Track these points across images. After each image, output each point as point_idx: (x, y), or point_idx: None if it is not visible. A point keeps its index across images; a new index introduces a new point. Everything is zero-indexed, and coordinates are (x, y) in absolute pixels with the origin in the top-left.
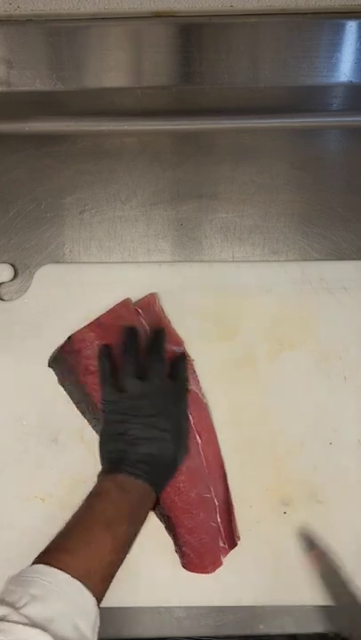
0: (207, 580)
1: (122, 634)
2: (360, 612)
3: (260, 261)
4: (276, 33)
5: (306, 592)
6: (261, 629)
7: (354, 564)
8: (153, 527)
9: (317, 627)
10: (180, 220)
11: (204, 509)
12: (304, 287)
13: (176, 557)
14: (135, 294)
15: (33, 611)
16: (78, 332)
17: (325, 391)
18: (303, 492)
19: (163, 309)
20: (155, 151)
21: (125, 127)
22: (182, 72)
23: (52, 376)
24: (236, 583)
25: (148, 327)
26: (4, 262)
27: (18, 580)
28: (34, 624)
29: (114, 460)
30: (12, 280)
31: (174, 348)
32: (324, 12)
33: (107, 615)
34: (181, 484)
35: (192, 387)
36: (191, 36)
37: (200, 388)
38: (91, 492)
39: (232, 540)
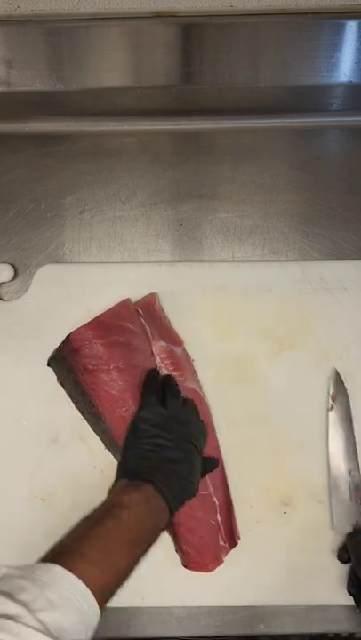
0: (207, 580)
1: (122, 634)
2: None
3: (260, 261)
4: (276, 33)
5: (306, 592)
6: (261, 629)
7: None
8: None
9: (317, 627)
10: (180, 219)
11: (203, 508)
12: (304, 287)
13: (176, 557)
14: (135, 294)
15: (49, 618)
16: (76, 330)
17: (325, 391)
18: (303, 492)
19: (163, 309)
20: (155, 151)
21: (125, 127)
22: (182, 72)
23: (51, 376)
24: (236, 583)
25: (148, 327)
26: (3, 262)
27: (29, 575)
28: (49, 634)
29: (144, 473)
30: (12, 280)
31: (174, 347)
32: (324, 12)
33: (107, 615)
34: None
35: (192, 386)
36: (191, 35)
37: (200, 388)
38: (115, 501)
39: (232, 540)
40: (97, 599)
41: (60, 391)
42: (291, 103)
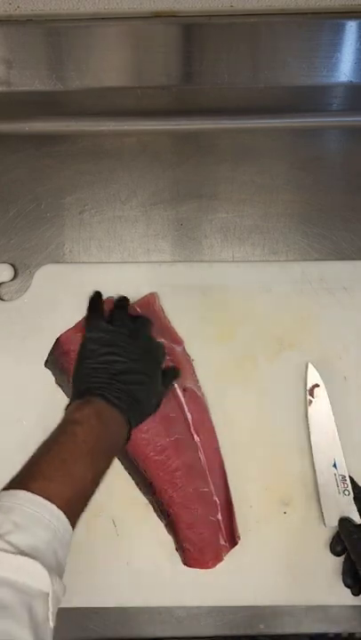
0: (207, 580)
1: (122, 634)
2: None
3: (260, 261)
4: (276, 33)
5: (306, 592)
6: (261, 629)
7: None
8: (153, 527)
9: (317, 627)
10: (180, 219)
11: (203, 504)
12: (304, 287)
13: (176, 557)
14: (135, 294)
15: (18, 539)
16: (65, 333)
17: (325, 391)
18: (303, 491)
19: (162, 309)
20: (155, 151)
21: (125, 127)
22: (182, 72)
23: (51, 376)
24: (236, 583)
25: None
26: (3, 262)
27: None
28: (19, 552)
29: (94, 389)
30: (12, 280)
31: (175, 346)
32: (324, 12)
33: (107, 615)
34: (178, 480)
35: (192, 386)
36: (191, 36)
37: (200, 388)
38: (68, 418)
39: (233, 539)
40: (67, 515)
41: (60, 391)
42: (291, 103)
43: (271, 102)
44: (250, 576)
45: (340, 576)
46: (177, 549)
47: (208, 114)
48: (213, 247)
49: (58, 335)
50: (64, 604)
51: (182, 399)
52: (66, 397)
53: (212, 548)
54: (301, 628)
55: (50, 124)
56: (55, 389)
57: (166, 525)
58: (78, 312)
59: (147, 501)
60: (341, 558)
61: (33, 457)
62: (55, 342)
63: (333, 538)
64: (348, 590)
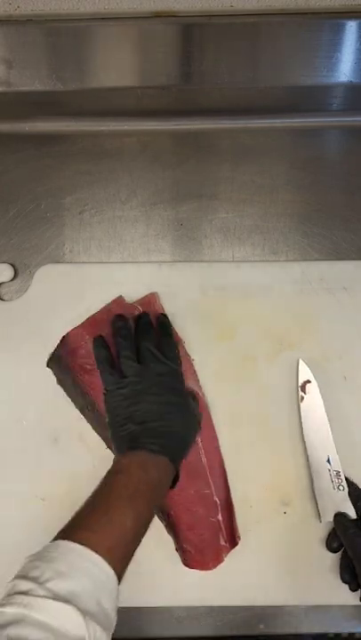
0: (207, 580)
1: (122, 634)
2: None
3: (260, 261)
4: (276, 33)
5: (306, 592)
6: (261, 629)
7: None
8: (153, 527)
9: (317, 627)
10: (180, 219)
11: (203, 505)
12: (304, 287)
13: (176, 557)
14: (135, 294)
15: (57, 586)
16: (72, 331)
17: (325, 391)
18: (303, 492)
19: (163, 309)
20: (155, 151)
21: (125, 127)
22: (182, 72)
23: (51, 376)
24: (236, 583)
25: None
26: (3, 262)
27: (40, 556)
28: (59, 599)
29: (127, 441)
30: (12, 280)
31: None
32: (324, 12)
33: None
34: (180, 482)
35: (192, 386)
36: (191, 36)
37: (200, 388)
38: (109, 471)
39: (233, 539)
40: (110, 563)
41: (60, 391)
42: (291, 103)
43: (271, 102)
44: (250, 576)
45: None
46: (177, 550)
47: (208, 114)
48: (213, 247)
49: (58, 335)
50: None
51: None
52: (67, 397)
53: (212, 548)
54: (301, 628)
55: (50, 123)
56: (56, 389)
57: (166, 526)
58: (78, 312)
59: None
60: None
61: (79, 510)
62: (62, 340)
63: (329, 534)
64: (348, 590)
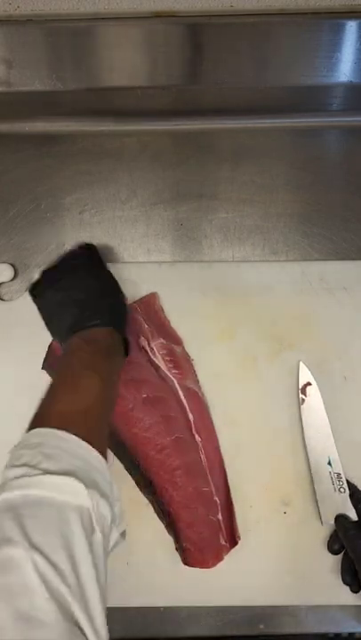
0: (207, 580)
1: (122, 634)
2: None
3: (260, 261)
4: (276, 33)
5: (306, 592)
6: (261, 629)
7: None
8: (153, 527)
9: (317, 627)
10: (180, 219)
11: (203, 503)
12: (304, 287)
13: (176, 557)
14: (135, 294)
15: (51, 465)
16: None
17: (325, 391)
18: (303, 492)
19: (162, 309)
20: (155, 151)
21: (125, 127)
22: (182, 72)
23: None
24: (236, 583)
25: (147, 326)
26: (3, 262)
27: (22, 445)
28: (53, 473)
29: (68, 328)
30: (11, 280)
31: (175, 346)
32: (324, 12)
33: (107, 615)
34: (179, 479)
35: (192, 386)
36: (191, 36)
37: (200, 388)
38: (61, 356)
39: (233, 539)
40: (90, 442)
41: None
42: (291, 103)
43: (271, 102)
44: (250, 576)
45: (339, 574)
46: (177, 549)
47: (208, 114)
48: (213, 247)
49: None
50: None
51: (183, 399)
52: None
53: (212, 547)
54: (301, 628)
55: (50, 123)
56: None
57: (166, 525)
58: None
59: (147, 501)
60: (341, 557)
61: (44, 396)
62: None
63: (331, 536)
64: (348, 590)
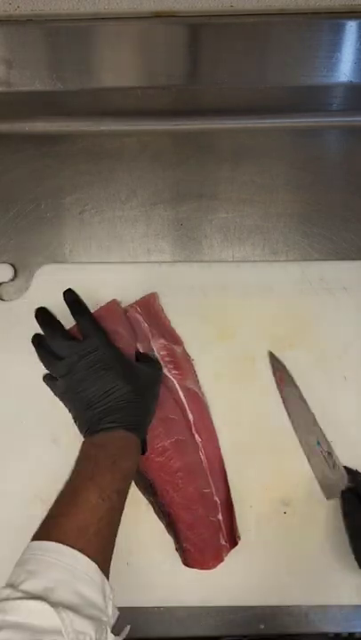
0: (207, 580)
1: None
2: None
3: (260, 261)
4: (276, 33)
5: (306, 592)
6: (261, 629)
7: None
8: (153, 527)
9: (317, 627)
10: (180, 219)
11: (203, 505)
12: (304, 287)
13: (176, 557)
14: (135, 294)
15: (30, 585)
16: None
17: (325, 391)
18: (303, 491)
19: (162, 309)
20: (155, 151)
21: (125, 127)
22: (182, 72)
23: None
24: (236, 583)
25: (147, 325)
26: (3, 262)
27: (17, 562)
28: (31, 597)
29: (86, 429)
30: (12, 280)
31: (175, 346)
32: (325, 12)
33: None
34: (180, 481)
35: (192, 386)
36: (191, 36)
37: (200, 388)
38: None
39: (233, 539)
40: (82, 550)
41: None
42: (291, 103)
43: (271, 102)
44: (250, 576)
45: (342, 577)
46: (177, 550)
47: (208, 114)
48: (213, 247)
49: None
50: None
51: (183, 399)
52: None
53: (212, 548)
54: (301, 628)
55: (50, 123)
56: None
57: (167, 526)
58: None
59: (147, 501)
60: (343, 558)
61: (49, 510)
62: None
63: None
64: (349, 590)
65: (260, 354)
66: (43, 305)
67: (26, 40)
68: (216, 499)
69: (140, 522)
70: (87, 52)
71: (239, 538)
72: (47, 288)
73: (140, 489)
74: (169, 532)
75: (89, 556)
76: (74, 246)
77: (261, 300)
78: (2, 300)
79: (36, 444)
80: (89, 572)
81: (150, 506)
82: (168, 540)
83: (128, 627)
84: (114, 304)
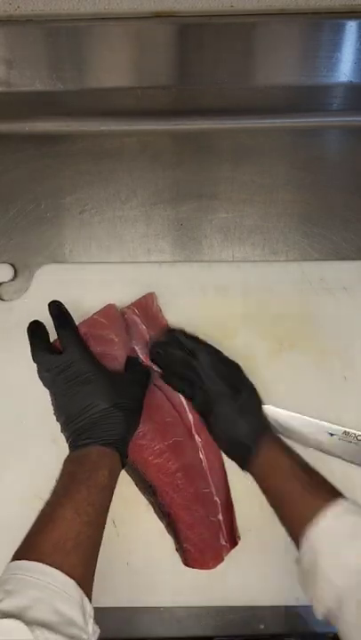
0: (207, 580)
1: (122, 634)
2: None
3: (260, 261)
4: (276, 33)
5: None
6: (261, 629)
7: None
8: (153, 527)
9: (317, 627)
10: (180, 219)
11: (203, 505)
12: (304, 287)
13: (176, 557)
14: (135, 294)
15: (6, 605)
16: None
17: (325, 391)
18: None
19: (160, 309)
20: (155, 151)
21: (125, 127)
22: (182, 72)
23: None
24: (236, 583)
25: (145, 326)
26: (3, 262)
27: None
28: (5, 615)
29: (68, 444)
30: (12, 280)
31: None
32: (324, 12)
33: (107, 615)
34: (180, 481)
35: None
36: (191, 36)
37: None
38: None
39: (233, 539)
40: (56, 564)
41: None
42: (291, 103)
43: (271, 102)
44: (250, 576)
45: None
46: (177, 550)
47: (208, 114)
48: (213, 247)
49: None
50: None
51: (183, 399)
52: None
53: (212, 548)
54: (301, 628)
55: (50, 123)
56: None
57: (167, 526)
58: (78, 312)
59: (147, 502)
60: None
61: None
62: None
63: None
64: None
65: (261, 354)
66: (42, 305)
67: (26, 40)
68: (216, 499)
69: (140, 522)
70: (87, 52)
71: (239, 538)
72: (47, 288)
73: (140, 489)
74: (169, 532)
75: (68, 572)
76: (74, 246)
77: (261, 299)
78: (2, 299)
79: (36, 443)
80: (66, 588)
81: (150, 506)
82: (168, 540)
83: None
84: (110, 308)
